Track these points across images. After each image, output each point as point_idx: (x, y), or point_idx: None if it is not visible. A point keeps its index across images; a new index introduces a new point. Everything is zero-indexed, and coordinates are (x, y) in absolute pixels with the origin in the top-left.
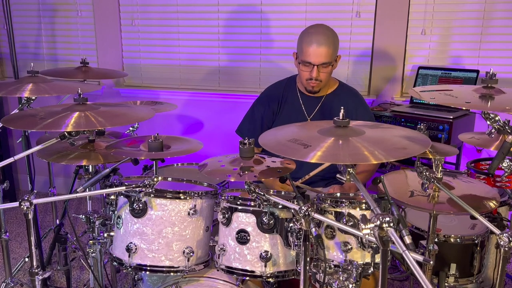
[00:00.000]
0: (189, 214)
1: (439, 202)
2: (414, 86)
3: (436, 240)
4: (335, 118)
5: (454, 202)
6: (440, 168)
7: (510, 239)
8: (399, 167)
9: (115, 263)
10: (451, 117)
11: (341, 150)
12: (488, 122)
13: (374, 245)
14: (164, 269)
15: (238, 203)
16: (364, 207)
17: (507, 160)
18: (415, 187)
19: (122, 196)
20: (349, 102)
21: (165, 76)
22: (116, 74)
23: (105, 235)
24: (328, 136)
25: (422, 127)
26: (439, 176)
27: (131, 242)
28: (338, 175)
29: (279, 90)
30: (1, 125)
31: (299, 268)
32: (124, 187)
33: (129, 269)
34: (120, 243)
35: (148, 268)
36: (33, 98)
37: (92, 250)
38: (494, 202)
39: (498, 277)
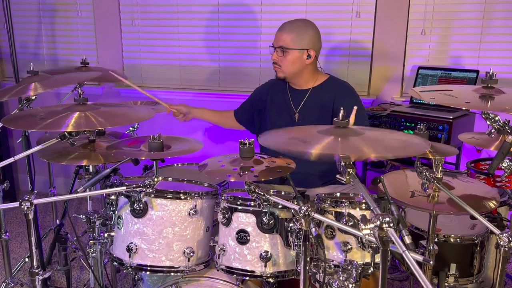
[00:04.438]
0: (189, 214)
1: (439, 202)
2: (414, 86)
3: (436, 240)
4: (334, 119)
5: (454, 202)
6: (440, 168)
7: (510, 239)
8: (399, 167)
9: (115, 263)
10: (451, 117)
11: (341, 144)
12: (488, 122)
13: (374, 245)
14: (165, 269)
15: (238, 203)
16: (364, 207)
17: (507, 160)
18: (415, 187)
19: (122, 196)
20: (336, 96)
21: (165, 76)
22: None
23: (106, 235)
24: (327, 135)
25: (422, 127)
26: (439, 176)
27: (131, 242)
28: (338, 176)
29: (271, 84)
30: (1, 125)
31: (299, 268)
32: (124, 187)
33: (130, 269)
34: (120, 243)
35: (149, 268)
36: (33, 98)
37: (92, 250)
38: (494, 202)
39: (498, 277)
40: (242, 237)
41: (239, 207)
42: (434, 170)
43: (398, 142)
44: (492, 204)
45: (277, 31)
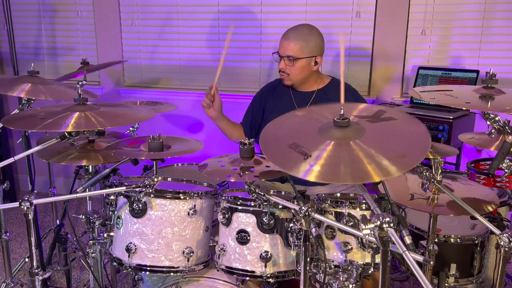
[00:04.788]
0: (188, 214)
1: (439, 205)
2: (414, 86)
3: (436, 240)
4: (335, 119)
5: (454, 205)
6: (440, 171)
7: (510, 239)
8: None
9: (115, 263)
10: (451, 117)
11: (342, 167)
12: (488, 122)
13: (374, 245)
14: (164, 269)
15: (238, 203)
16: (364, 207)
17: (507, 160)
18: (415, 190)
19: (122, 196)
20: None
21: (165, 76)
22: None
23: (105, 235)
24: (328, 140)
25: None
26: (438, 178)
27: (130, 242)
28: None
29: (273, 86)
30: (1, 125)
31: (299, 268)
32: (124, 187)
33: (129, 269)
34: (120, 243)
35: (148, 268)
36: (33, 98)
37: (92, 250)
38: (493, 205)
39: (498, 277)
40: (242, 237)
41: (239, 207)
42: (434, 172)
43: (402, 140)
44: (490, 208)
45: (282, 39)
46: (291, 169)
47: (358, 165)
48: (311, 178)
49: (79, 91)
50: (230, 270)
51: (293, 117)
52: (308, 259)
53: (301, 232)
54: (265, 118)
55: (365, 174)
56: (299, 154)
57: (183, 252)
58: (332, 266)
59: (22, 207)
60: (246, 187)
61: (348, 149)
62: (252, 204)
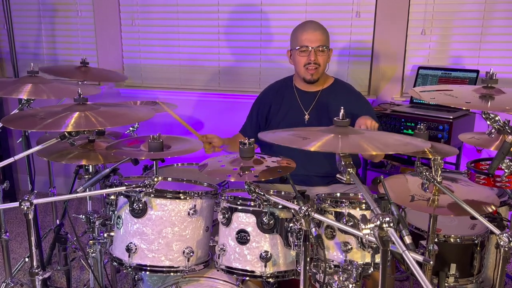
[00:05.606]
0: (189, 214)
1: (439, 206)
2: (414, 86)
3: (436, 240)
4: (335, 119)
5: (454, 206)
6: (440, 172)
7: (510, 239)
8: (399, 167)
9: (115, 263)
10: (451, 117)
11: (341, 142)
12: (488, 122)
13: (374, 245)
14: (164, 269)
15: (238, 203)
16: (364, 207)
17: (507, 160)
18: (415, 191)
19: (122, 196)
20: (346, 98)
21: (165, 76)
22: (115, 77)
23: (105, 235)
24: (328, 133)
25: (422, 127)
26: (438, 179)
27: (131, 242)
28: (338, 175)
29: (276, 88)
30: (1, 125)
31: (299, 268)
32: (124, 187)
33: (129, 269)
34: (120, 243)
35: (148, 268)
36: (33, 98)
37: (92, 250)
38: (492, 206)
39: (498, 277)
40: (242, 237)
41: (239, 207)
42: (433, 174)
43: (398, 141)
44: (490, 209)
45: (308, 31)
46: (291, 143)
47: (356, 142)
48: (312, 148)
49: (79, 90)
50: (230, 270)
51: (292, 130)
52: (308, 259)
53: (301, 232)
54: (270, 119)
55: (362, 147)
56: (298, 138)
57: (183, 252)
58: (332, 266)
59: (22, 207)
60: (246, 187)
61: (347, 138)
62: (252, 204)
